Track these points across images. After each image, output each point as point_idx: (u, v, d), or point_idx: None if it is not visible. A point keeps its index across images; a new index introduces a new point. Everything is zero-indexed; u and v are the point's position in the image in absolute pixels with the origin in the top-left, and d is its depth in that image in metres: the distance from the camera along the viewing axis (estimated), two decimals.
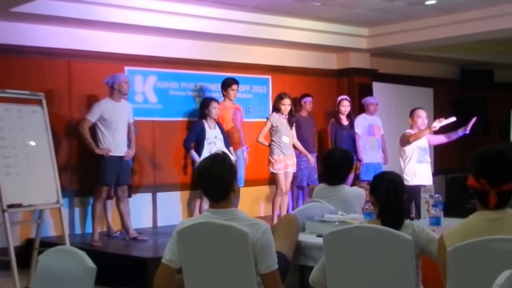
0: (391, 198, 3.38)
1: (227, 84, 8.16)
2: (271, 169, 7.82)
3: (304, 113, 8.97)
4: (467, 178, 2.80)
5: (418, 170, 7.11)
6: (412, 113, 7.31)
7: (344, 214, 4.49)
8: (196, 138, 7.68)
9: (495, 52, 10.68)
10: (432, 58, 10.87)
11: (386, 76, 10.53)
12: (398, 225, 3.30)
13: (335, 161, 4.88)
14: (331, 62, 10.19)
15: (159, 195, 8.37)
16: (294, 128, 8.03)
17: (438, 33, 8.85)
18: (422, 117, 7.20)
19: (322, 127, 9.40)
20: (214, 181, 3.25)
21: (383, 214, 3.39)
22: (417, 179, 6.99)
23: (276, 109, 7.88)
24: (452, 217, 4.76)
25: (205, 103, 7.79)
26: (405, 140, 7.19)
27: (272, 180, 8.12)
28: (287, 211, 7.84)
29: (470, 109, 11.67)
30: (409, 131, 7.28)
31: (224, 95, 8.20)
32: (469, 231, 2.73)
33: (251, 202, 9.07)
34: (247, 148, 8.36)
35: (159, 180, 8.39)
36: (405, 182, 6.31)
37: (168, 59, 8.44)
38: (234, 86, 8.15)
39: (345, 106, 8.75)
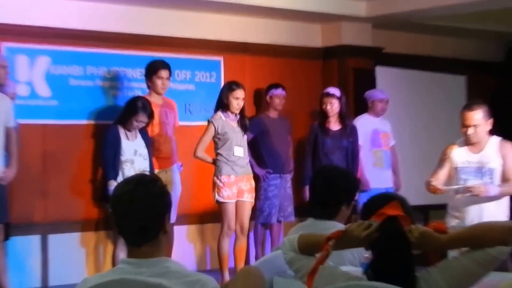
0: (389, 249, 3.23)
1: (152, 70, 7.78)
2: (216, 197, 7.52)
3: (272, 113, 8.56)
4: None
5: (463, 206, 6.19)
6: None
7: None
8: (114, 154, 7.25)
9: None
10: (464, 31, 10.38)
11: (396, 58, 10.11)
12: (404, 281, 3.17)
13: (334, 183, 4.83)
14: (314, 37, 9.85)
15: (52, 237, 7.99)
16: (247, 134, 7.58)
17: None
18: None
19: (302, 134, 9.07)
20: (137, 214, 3.09)
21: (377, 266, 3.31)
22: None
23: (223, 105, 7.62)
24: None
25: (133, 106, 7.46)
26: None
27: (219, 213, 7.56)
28: (246, 262, 7.85)
29: None
30: (457, 144, 6.08)
31: (149, 86, 7.75)
32: None
33: (191, 248, 8.96)
34: (181, 166, 8.01)
35: (53, 216, 7.93)
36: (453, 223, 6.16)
37: (67, 32, 8.00)
38: (163, 73, 7.74)
39: (327, 104, 8.13)
